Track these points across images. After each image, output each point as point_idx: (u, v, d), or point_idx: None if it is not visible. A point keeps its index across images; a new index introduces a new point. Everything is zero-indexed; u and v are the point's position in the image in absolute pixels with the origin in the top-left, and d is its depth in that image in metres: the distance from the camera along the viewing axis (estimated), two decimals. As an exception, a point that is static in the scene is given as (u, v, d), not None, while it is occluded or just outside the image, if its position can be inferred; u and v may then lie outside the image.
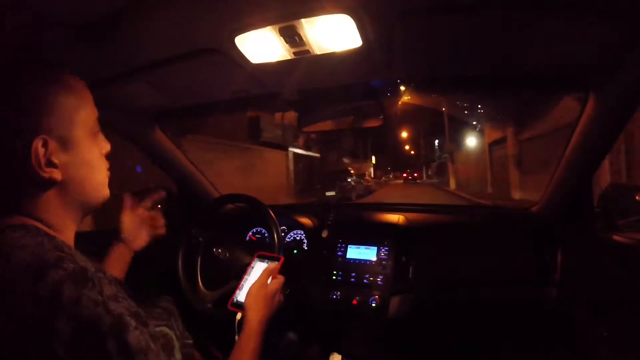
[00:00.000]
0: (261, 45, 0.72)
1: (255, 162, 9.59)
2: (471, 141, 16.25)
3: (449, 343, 1.22)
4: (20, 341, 0.37)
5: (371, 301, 1.03)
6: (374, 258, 1.11)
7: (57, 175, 0.47)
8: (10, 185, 0.48)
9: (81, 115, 0.51)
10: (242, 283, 0.88)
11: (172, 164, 1.35)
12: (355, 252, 1.14)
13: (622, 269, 0.91)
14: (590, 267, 1.01)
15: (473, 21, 0.68)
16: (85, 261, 0.44)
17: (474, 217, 1.35)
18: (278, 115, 11.23)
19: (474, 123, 15.29)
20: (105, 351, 0.39)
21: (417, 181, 39.09)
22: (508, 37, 0.73)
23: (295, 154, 13.22)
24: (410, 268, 1.09)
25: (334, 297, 1.08)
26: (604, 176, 4.75)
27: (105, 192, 0.56)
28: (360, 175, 15.89)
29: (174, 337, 0.85)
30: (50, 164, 0.47)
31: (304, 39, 0.68)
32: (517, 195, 10.12)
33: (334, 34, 0.68)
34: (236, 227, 1.32)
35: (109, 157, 0.58)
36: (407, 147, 50.32)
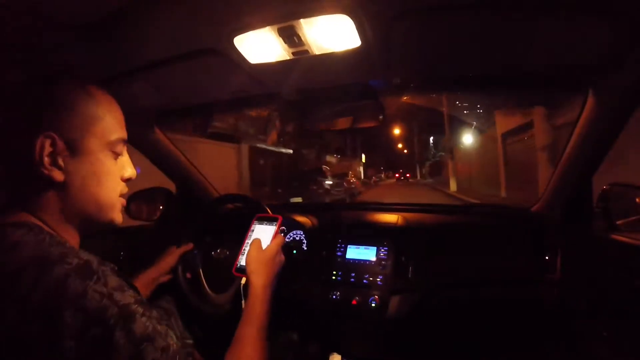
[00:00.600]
0: (260, 46, 0.72)
1: (191, 157, 8.21)
2: (474, 134, 13.81)
3: (449, 343, 1.22)
4: (28, 334, 0.38)
5: (371, 301, 1.03)
6: (373, 258, 1.11)
7: (58, 175, 0.47)
8: (17, 180, 0.48)
9: (100, 127, 0.51)
10: (243, 247, 0.89)
11: (171, 164, 1.35)
12: (354, 252, 1.14)
13: (621, 269, 0.91)
14: (590, 267, 1.01)
15: (472, 21, 0.68)
16: (88, 255, 0.45)
17: (474, 216, 1.35)
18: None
19: (479, 110, 13.34)
20: (113, 342, 0.39)
21: (410, 180, 37.65)
22: (507, 37, 0.73)
23: (254, 148, 10.32)
24: (410, 268, 1.09)
25: (334, 297, 1.08)
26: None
27: (113, 216, 0.55)
28: (341, 176, 13.55)
29: (174, 337, 0.85)
30: (54, 163, 0.47)
31: (302, 39, 0.68)
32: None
33: (332, 34, 0.68)
34: (235, 228, 1.32)
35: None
36: (400, 146, 48.82)
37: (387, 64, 0.83)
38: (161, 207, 1.37)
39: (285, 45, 0.71)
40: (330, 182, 11.44)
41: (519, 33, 0.71)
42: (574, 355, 1.06)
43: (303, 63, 0.79)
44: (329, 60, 0.77)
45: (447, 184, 15.97)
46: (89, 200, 0.51)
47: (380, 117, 1.01)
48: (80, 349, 0.38)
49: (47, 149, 0.46)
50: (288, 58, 0.75)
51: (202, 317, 1.00)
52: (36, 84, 0.48)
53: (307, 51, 0.73)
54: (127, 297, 0.43)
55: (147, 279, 0.95)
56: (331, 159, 23.16)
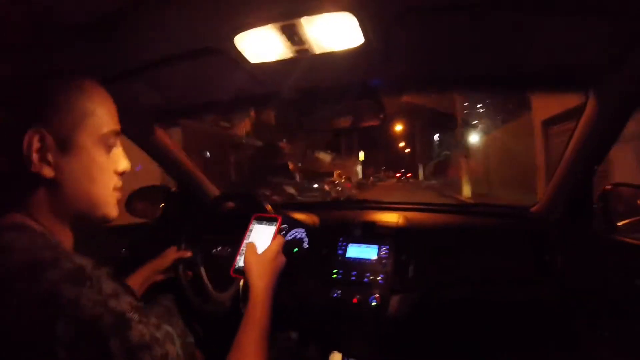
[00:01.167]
0: (261, 44, 0.71)
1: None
2: (494, 124, 11.37)
3: (449, 342, 1.22)
4: (20, 342, 0.37)
5: (371, 300, 1.03)
6: (374, 257, 1.11)
7: (47, 172, 0.46)
8: (7, 178, 0.47)
9: (92, 122, 0.49)
10: (241, 248, 0.87)
11: (172, 163, 1.35)
12: (355, 251, 1.15)
13: (622, 269, 0.91)
14: (590, 267, 1.01)
15: (475, 21, 0.68)
16: (82, 259, 0.43)
17: (474, 216, 1.35)
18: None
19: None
20: (108, 351, 0.38)
21: (410, 180, 35.85)
22: (509, 37, 0.73)
23: (197, 133, 7.78)
24: (411, 267, 1.10)
25: (334, 295, 1.08)
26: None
27: (107, 211, 0.53)
28: (321, 176, 10.88)
29: (175, 336, 0.85)
30: (43, 159, 0.46)
31: (304, 37, 0.68)
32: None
33: (334, 33, 0.68)
34: (236, 226, 1.32)
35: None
36: (401, 144, 45.99)
37: (388, 63, 0.83)
38: (162, 205, 1.38)
39: (287, 44, 0.70)
40: (297, 185, 8.96)
41: (520, 33, 0.71)
42: (574, 355, 1.06)
43: (304, 62, 0.79)
44: (330, 59, 0.77)
45: (456, 187, 13.29)
46: (81, 197, 0.49)
47: (381, 116, 1.01)
48: (73, 358, 0.37)
49: (36, 144, 0.44)
50: (289, 57, 0.75)
51: (203, 315, 1.00)
52: (24, 79, 0.47)
53: (308, 50, 0.73)
54: (122, 304, 0.41)
55: (140, 278, 0.94)
56: (324, 156, 21.22)
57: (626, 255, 0.90)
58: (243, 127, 11.42)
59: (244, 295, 0.72)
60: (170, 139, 1.31)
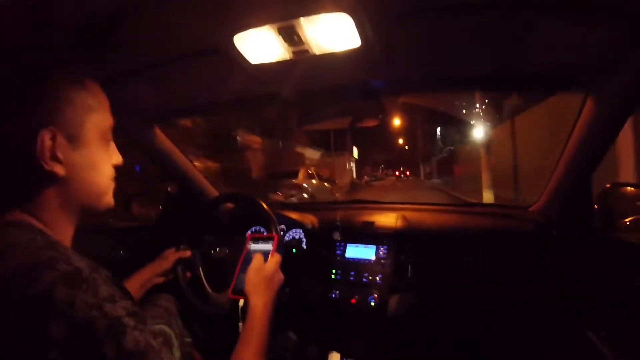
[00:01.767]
0: (260, 45, 0.72)
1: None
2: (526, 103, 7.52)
3: (448, 342, 1.22)
4: (14, 343, 0.37)
5: (370, 300, 1.03)
6: (373, 257, 1.11)
7: (59, 170, 0.47)
8: (15, 176, 0.48)
9: (95, 118, 0.51)
10: (238, 269, 0.87)
11: (171, 164, 1.35)
12: (354, 251, 1.15)
13: (621, 268, 0.91)
14: (590, 267, 1.01)
15: (473, 21, 0.68)
16: (80, 261, 0.43)
17: (473, 216, 1.35)
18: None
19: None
20: (101, 356, 0.38)
21: (410, 179, 34.10)
22: (508, 37, 0.73)
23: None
24: (409, 267, 1.09)
25: (333, 296, 1.08)
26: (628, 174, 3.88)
27: (107, 200, 0.56)
28: (289, 175, 8.65)
29: (173, 336, 0.86)
30: (54, 158, 0.47)
31: (303, 38, 0.69)
32: None
33: (333, 34, 0.68)
34: (235, 227, 1.32)
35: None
36: (400, 141, 41.94)
37: (387, 64, 0.83)
38: (161, 207, 1.38)
39: (286, 45, 0.71)
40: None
41: (519, 33, 0.71)
42: (574, 355, 1.06)
43: (303, 63, 0.79)
44: (329, 59, 0.77)
45: (465, 187, 11.06)
46: (89, 188, 0.51)
47: (380, 116, 1.01)
48: None
49: (48, 144, 0.45)
50: (288, 58, 0.75)
51: (201, 316, 1.00)
52: (32, 79, 0.48)
53: (307, 51, 0.73)
54: (118, 309, 0.41)
55: (141, 280, 0.94)
56: (311, 153, 19.07)
57: (626, 255, 0.90)
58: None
59: (244, 314, 0.72)
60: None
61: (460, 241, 1.17)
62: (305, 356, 1.16)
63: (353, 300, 1.05)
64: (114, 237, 1.28)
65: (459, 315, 1.14)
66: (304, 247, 1.24)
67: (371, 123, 1.03)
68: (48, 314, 0.37)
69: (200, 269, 1.04)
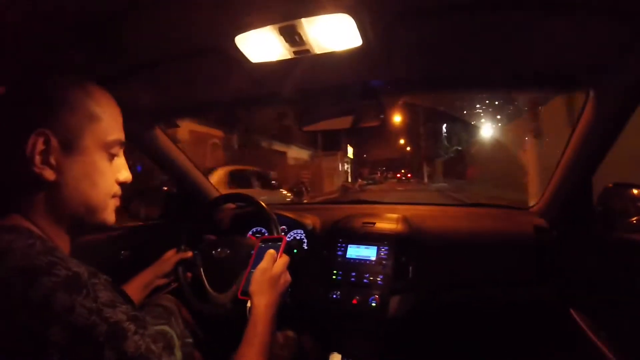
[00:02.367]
0: (261, 45, 0.72)
1: None
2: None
3: (449, 343, 1.22)
4: (14, 348, 0.36)
5: (371, 301, 1.03)
6: (373, 257, 1.11)
7: (49, 175, 0.46)
8: (9, 179, 0.47)
9: (97, 127, 0.49)
10: (248, 270, 0.87)
11: (171, 164, 1.35)
12: (355, 252, 1.14)
13: (622, 268, 0.91)
14: (590, 267, 1.01)
15: (473, 21, 0.68)
16: (79, 266, 0.42)
17: (474, 217, 1.35)
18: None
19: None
20: None
21: (411, 181, 32.52)
22: (508, 37, 0.73)
23: None
24: (410, 268, 1.09)
25: (334, 296, 1.08)
26: None
27: (105, 217, 0.53)
28: None
29: (174, 336, 0.86)
30: (46, 162, 0.45)
31: (304, 38, 0.69)
32: None
33: (334, 34, 0.68)
34: (236, 228, 1.32)
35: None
36: (402, 142, 39.19)
37: (388, 64, 0.83)
38: (161, 207, 1.38)
39: (287, 45, 0.71)
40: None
41: (520, 33, 0.71)
42: (574, 355, 1.06)
43: (304, 62, 0.79)
44: (330, 59, 0.77)
45: (486, 195, 8.85)
46: (80, 200, 0.49)
47: (381, 116, 1.01)
48: None
49: (40, 146, 0.44)
50: (289, 57, 0.75)
51: (202, 316, 1.00)
52: (31, 81, 0.47)
53: (308, 50, 0.73)
54: (118, 314, 0.41)
55: (142, 283, 0.94)
56: (297, 152, 16.32)
57: (626, 255, 0.90)
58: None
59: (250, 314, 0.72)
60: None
61: (462, 242, 1.17)
62: (306, 356, 1.16)
63: (354, 301, 1.05)
64: (113, 238, 1.27)
65: (459, 316, 1.14)
66: (305, 247, 1.24)
67: (372, 123, 1.02)
68: (48, 319, 0.37)
69: (201, 269, 1.04)
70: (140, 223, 1.35)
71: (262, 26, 0.65)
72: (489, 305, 1.12)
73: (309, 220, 1.29)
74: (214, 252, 1.07)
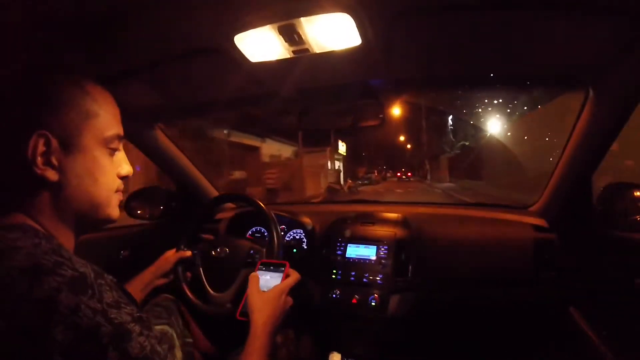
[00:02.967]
0: (261, 44, 0.72)
1: None
2: None
3: (449, 342, 1.22)
4: (18, 347, 0.36)
5: (371, 300, 1.03)
6: (373, 257, 1.11)
7: (52, 175, 0.46)
8: (10, 179, 0.47)
9: (96, 124, 0.49)
10: (247, 292, 0.87)
11: (171, 164, 1.35)
12: (354, 251, 1.14)
13: (621, 268, 0.91)
14: (590, 267, 1.01)
15: (473, 21, 0.68)
16: (85, 266, 0.42)
17: (474, 215, 1.35)
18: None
19: None
20: None
21: (412, 180, 30.78)
22: (508, 36, 0.73)
23: None
24: (410, 267, 1.09)
25: (334, 296, 1.08)
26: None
27: (109, 212, 0.53)
28: None
29: (174, 336, 0.86)
30: (48, 162, 0.46)
31: (303, 37, 0.69)
32: None
33: (333, 33, 0.68)
34: (235, 227, 1.32)
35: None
36: (402, 138, 36.01)
37: (387, 63, 0.83)
38: (162, 207, 1.38)
39: (286, 44, 0.71)
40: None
41: (519, 32, 0.71)
42: (574, 355, 1.06)
43: (303, 62, 0.79)
44: (329, 59, 0.77)
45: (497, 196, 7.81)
46: (84, 198, 0.49)
47: (381, 116, 1.01)
48: None
49: (41, 148, 0.45)
50: (288, 57, 0.75)
51: (202, 316, 1.00)
52: (28, 81, 0.47)
53: (307, 50, 0.73)
54: (123, 315, 0.41)
55: (143, 283, 0.94)
56: (280, 148, 14.19)
57: (625, 254, 0.90)
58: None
59: None
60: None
61: (461, 241, 1.17)
62: (306, 356, 1.16)
63: (354, 300, 1.05)
64: (113, 237, 1.27)
65: (459, 316, 1.14)
66: (305, 247, 1.24)
67: (371, 123, 1.02)
68: (53, 318, 0.37)
69: (201, 269, 1.04)
70: (140, 223, 1.35)
71: (261, 25, 0.65)
72: (488, 304, 1.12)
73: (309, 220, 1.29)
74: (213, 251, 1.07)
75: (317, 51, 0.73)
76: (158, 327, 0.84)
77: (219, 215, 1.42)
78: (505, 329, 1.16)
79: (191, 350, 0.93)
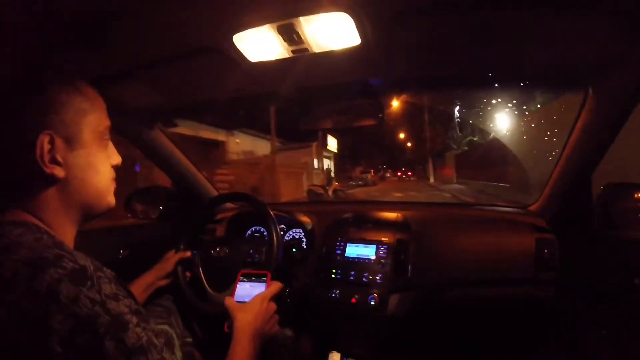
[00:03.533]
0: (260, 44, 0.72)
1: None
2: None
3: (448, 342, 1.22)
4: (17, 336, 0.37)
5: (370, 299, 1.03)
6: (372, 256, 1.11)
7: (59, 172, 0.48)
8: (15, 179, 0.48)
9: (91, 119, 0.52)
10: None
11: (171, 164, 1.35)
12: (354, 251, 1.14)
13: (620, 267, 0.91)
14: (589, 266, 1.01)
15: (472, 20, 0.68)
16: (85, 259, 0.44)
17: (473, 215, 1.35)
18: None
19: None
20: (102, 350, 0.39)
21: (412, 179, 29.72)
22: (508, 36, 0.73)
23: None
24: (409, 266, 1.09)
25: (333, 295, 1.08)
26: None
27: (108, 200, 0.57)
28: None
29: (174, 335, 0.86)
30: (54, 160, 0.48)
31: (302, 37, 0.68)
32: None
33: (332, 32, 0.68)
34: (234, 227, 1.32)
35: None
36: (402, 136, 32.50)
37: (386, 63, 0.83)
38: (161, 207, 1.37)
39: (285, 44, 0.71)
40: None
41: (519, 32, 0.71)
42: (574, 355, 1.06)
43: (302, 61, 0.79)
44: (328, 58, 0.77)
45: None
46: (88, 189, 0.52)
47: (380, 115, 1.01)
48: (68, 355, 0.37)
49: (47, 147, 0.47)
50: (287, 56, 0.75)
51: (202, 316, 1.00)
52: (30, 83, 0.49)
53: (306, 49, 0.73)
54: (121, 306, 0.42)
55: (145, 284, 0.95)
56: (254, 143, 11.59)
57: (625, 254, 0.90)
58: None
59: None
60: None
61: (460, 241, 1.17)
62: (306, 356, 1.17)
63: (353, 300, 1.05)
64: (113, 237, 1.27)
65: (458, 315, 1.14)
66: (304, 246, 1.24)
67: (371, 122, 1.02)
68: (53, 308, 0.38)
69: (200, 269, 1.04)
70: (139, 222, 1.35)
71: (260, 25, 0.65)
72: (488, 304, 1.12)
73: (308, 220, 1.29)
74: (212, 251, 1.07)
75: (317, 51, 0.73)
76: (158, 327, 0.84)
77: (219, 215, 1.42)
78: (505, 328, 1.16)
79: (191, 350, 0.93)
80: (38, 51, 0.68)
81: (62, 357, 0.37)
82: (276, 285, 0.85)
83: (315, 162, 15.39)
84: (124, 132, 1.17)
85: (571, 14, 0.64)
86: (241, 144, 11.10)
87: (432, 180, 21.15)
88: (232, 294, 0.95)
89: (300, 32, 0.67)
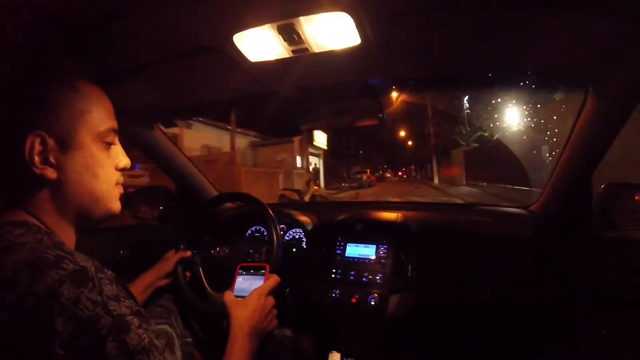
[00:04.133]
0: (260, 44, 0.72)
1: None
2: None
3: (448, 342, 1.22)
4: (18, 338, 0.37)
5: (370, 299, 1.03)
6: (373, 256, 1.11)
7: (50, 173, 0.47)
8: (10, 179, 0.48)
9: (90, 120, 0.50)
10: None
11: (171, 164, 1.35)
12: (354, 250, 1.14)
13: (621, 267, 0.91)
14: (590, 267, 1.01)
15: (472, 20, 0.68)
16: (86, 260, 0.43)
17: (473, 215, 1.35)
18: None
19: None
20: (104, 352, 0.38)
21: (411, 179, 28.83)
22: (508, 36, 0.73)
23: None
24: (410, 266, 1.09)
25: (333, 295, 1.08)
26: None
27: (111, 205, 0.54)
28: None
29: (174, 335, 0.86)
30: (46, 161, 0.46)
31: (302, 37, 0.68)
32: None
33: (332, 32, 0.68)
34: (234, 227, 1.32)
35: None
36: (402, 133, 29.07)
37: (387, 62, 0.83)
38: (161, 207, 1.37)
39: (285, 43, 0.71)
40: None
41: (519, 32, 0.71)
42: (574, 355, 1.06)
43: (303, 61, 0.79)
44: (328, 58, 0.77)
45: None
46: (84, 193, 0.50)
47: (380, 115, 1.01)
48: (69, 357, 0.37)
49: (37, 148, 0.46)
50: (288, 56, 0.75)
51: (202, 315, 1.00)
52: (22, 83, 0.48)
53: (307, 49, 0.73)
54: (122, 308, 0.42)
55: (145, 284, 0.95)
56: (219, 137, 9.57)
57: (625, 254, 0.90)
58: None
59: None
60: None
61: (461, 241, 1.16)
62: (306, 356, 1.16)
63: (353, 300, 1.05)
64: (113, 237, 1.27)
65: (459, 315, 1.14)
66: (304, 246, 1.24)
67: (371, 122, 1.02)
68: (54, 310, 0.37)
69: (200, 268, 1.04)
70: (139, 222, 1.35)
71: (260, 25, 0.65)
72: (488, 304, 1.12)
73: (308, 219, 1.29)
74: (213, 251, 1.07)
75: (317, 50, 0.73)
76: (158, 327, 0.84)
77: (219, 215, 1.42)
78: (505, 328, 1.16)
79: (191, 350, 0.93)
80: (38, 51, 0.68)
81: (64, 359, 0.37)
82: (274, 280, 0.85)
83: (299, 160, 13.02)
84: (125, 132, 1.17)
85: (571, 14, 0.64)
86: (201, 136, 8.87)
87: (436, 181, 19.00)
88: (231, 289, 0.95)
89: (300, 32, 0.67)
